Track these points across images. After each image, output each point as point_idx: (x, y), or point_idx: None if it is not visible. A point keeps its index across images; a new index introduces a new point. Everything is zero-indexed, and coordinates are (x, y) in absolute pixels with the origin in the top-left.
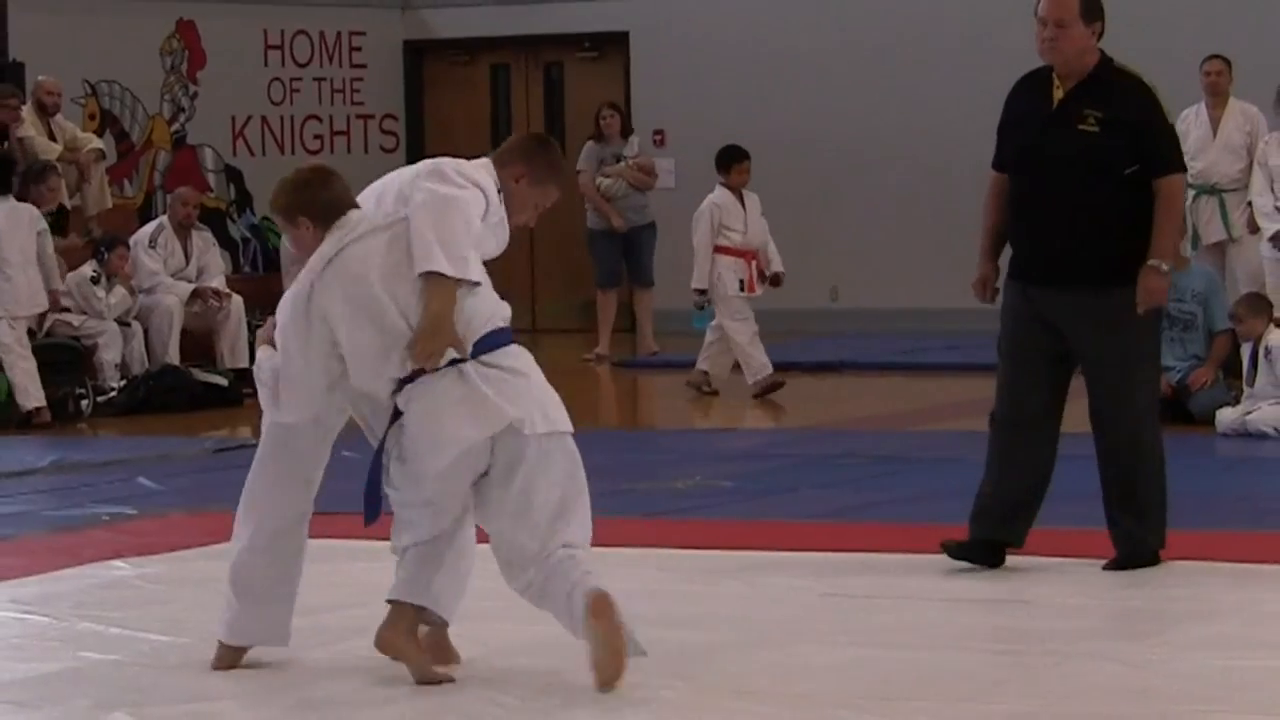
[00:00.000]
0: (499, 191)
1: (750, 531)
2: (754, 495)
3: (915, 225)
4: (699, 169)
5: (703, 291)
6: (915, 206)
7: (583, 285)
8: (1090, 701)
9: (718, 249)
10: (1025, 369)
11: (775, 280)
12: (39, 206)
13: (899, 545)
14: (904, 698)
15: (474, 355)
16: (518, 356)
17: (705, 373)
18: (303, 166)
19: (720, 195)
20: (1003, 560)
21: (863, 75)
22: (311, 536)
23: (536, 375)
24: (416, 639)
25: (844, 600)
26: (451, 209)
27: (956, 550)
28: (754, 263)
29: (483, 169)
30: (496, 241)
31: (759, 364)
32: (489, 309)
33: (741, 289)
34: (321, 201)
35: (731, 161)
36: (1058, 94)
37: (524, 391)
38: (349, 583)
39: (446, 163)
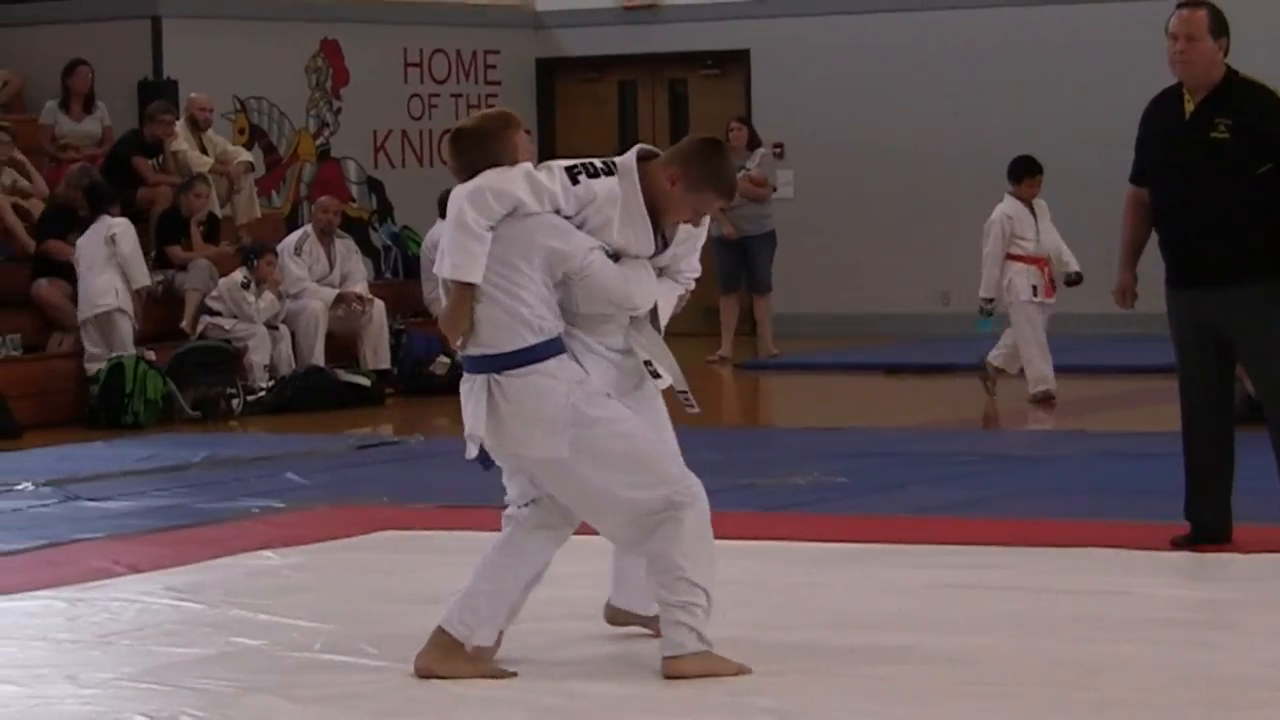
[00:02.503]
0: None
1: (862, 525)
2: (867, 491)
3: None
4: (817, 180)
5: (989, 300)
6: None
7: (705, 291)
8: (1187, 689)
9: (1011, 256)
10: (1192, 369)
11: (1077, 279)
12: (188, 214)
13: (1003, 539)
14: (1005, 684)
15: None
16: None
17: (999, 369)
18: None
19: (1010, 205)
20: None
21: (975, 88)
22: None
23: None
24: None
25: (949, 591)
26: (454, 223)
27: (1184, 542)
28: (1046, 269)
29: (558, 170)
30: (617, 236)
31: (1041, 375)
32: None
33: (1035, 294)
34: None
35: (1024, 174)
36: (1189, 107)
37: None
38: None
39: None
